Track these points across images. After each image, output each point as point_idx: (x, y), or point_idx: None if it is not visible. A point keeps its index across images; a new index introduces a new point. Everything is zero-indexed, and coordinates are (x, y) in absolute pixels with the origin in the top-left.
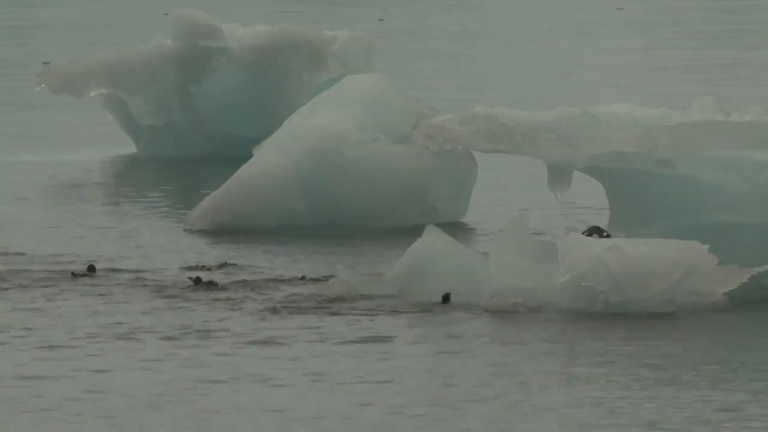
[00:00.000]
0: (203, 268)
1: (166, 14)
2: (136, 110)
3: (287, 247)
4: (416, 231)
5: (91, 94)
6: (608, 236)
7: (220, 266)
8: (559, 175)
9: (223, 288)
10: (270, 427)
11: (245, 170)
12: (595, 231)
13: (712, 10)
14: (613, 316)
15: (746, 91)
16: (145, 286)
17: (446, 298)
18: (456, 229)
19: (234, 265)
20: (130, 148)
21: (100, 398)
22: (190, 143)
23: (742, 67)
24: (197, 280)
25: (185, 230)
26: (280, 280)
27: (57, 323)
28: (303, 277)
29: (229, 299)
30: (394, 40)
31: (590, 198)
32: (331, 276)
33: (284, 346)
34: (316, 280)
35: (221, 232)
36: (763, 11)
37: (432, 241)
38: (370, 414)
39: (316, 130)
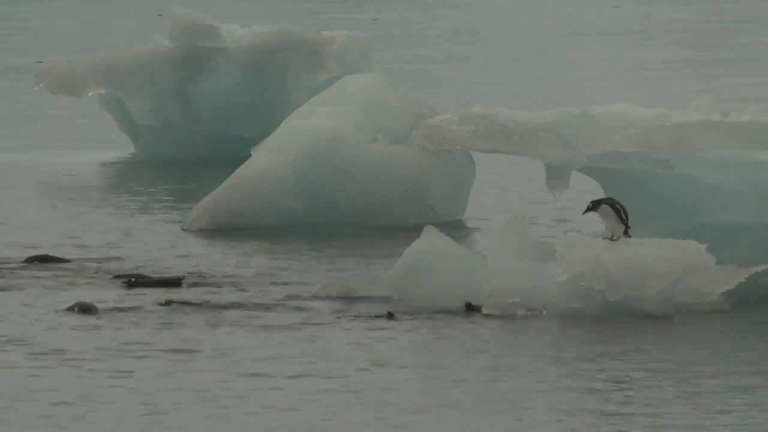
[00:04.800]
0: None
1: (160, 15)
2: (134, 110)
3: (285, 246)
4: (414, 231)
5: (89, 95)
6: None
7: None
8: (557, 176)
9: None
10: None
11: (243, 170)
12: (603, 204)
13: (709, 8)
14: (610, 315)
15: (745, 90)
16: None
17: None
18: (454, 229)
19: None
20: (128, 149)
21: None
22: (188, 143)
23: (740, 66)
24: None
25: (183, 230)
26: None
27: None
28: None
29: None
30: (390, 40)
31: (588, 198)
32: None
33: (276, 348)
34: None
35: (219, 231)
36: (761, 9)
37: (430, 241)
38: (362, 416)
39: (314, 130)
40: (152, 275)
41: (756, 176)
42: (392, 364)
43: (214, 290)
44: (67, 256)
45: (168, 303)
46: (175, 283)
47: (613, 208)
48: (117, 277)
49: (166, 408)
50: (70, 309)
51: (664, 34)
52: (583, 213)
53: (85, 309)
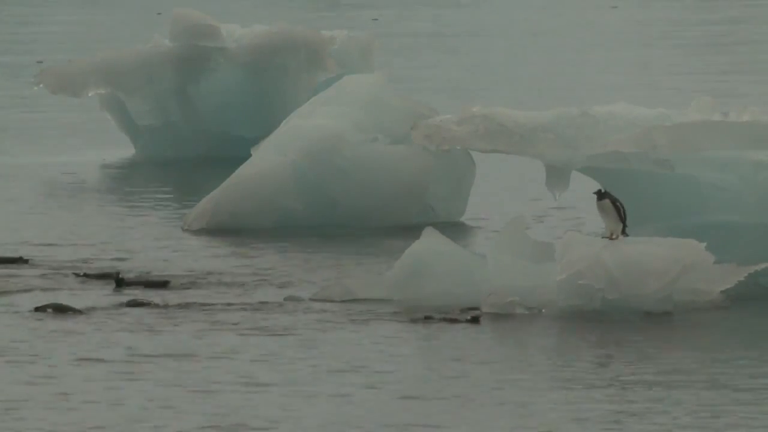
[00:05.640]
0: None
1: (159, 14)
2: (134, 110)
3: (285, 247)
4: (414, 231)
5: (90, 95)
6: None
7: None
8: (557, 176)
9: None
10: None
11: (243, 170)
12: (605, 197)
13: (708, 8)
14: (610, 313)
15: (745, 89)
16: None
17: None
18: (454, 229)
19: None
20: (128, 149)
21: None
22: (188, 143)
23: (740, 66)
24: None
25: (184, 230)
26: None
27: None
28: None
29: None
30: (390, 41)
31: (588, 198)
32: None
33: (274, 352)
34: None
35: (219, 231)
36: (760, 9)
37: (430, 242)
38: (361, 416)
39: (314, 130)
40: (140, 276)
41: (756, 176)
42: (391, 365)
43: (214, 290)
44: (65, 256)
45: (157, 304)
46: (162, 284)
47: (615, 206)
48: (103, 276)
49: (164, 408)
50: (40, 309)
51: (664, 34)
52: (593, 192)
53: (60, 309)
